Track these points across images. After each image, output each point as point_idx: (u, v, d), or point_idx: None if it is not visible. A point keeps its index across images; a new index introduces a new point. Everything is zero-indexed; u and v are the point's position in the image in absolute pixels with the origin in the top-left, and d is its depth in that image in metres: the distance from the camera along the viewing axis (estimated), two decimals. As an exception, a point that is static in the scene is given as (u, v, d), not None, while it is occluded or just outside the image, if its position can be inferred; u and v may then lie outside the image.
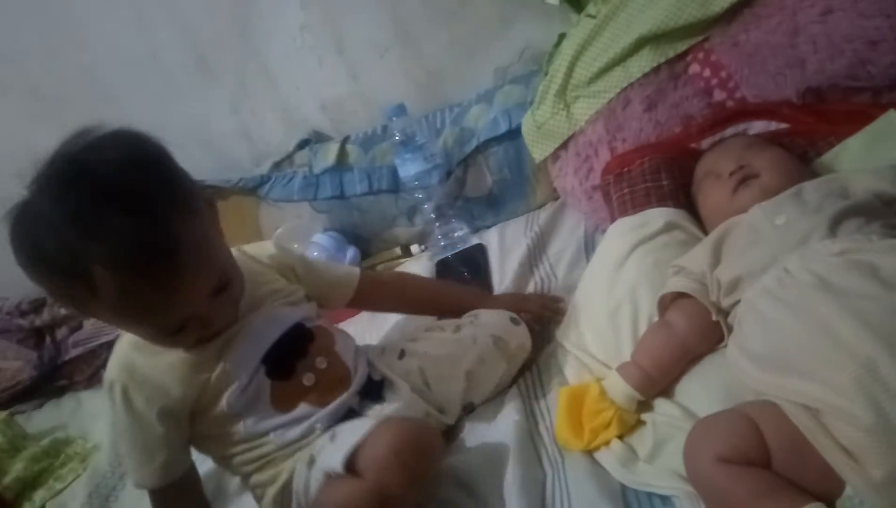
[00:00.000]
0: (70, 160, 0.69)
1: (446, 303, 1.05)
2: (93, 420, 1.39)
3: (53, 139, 1.75)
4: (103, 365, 1.53)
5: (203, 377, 0.80)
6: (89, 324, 1.67)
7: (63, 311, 1.70)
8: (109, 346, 1.54)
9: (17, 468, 1.25)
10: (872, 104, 0.96)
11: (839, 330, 0.58)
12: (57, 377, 1.62)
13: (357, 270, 1.01)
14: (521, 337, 0.94)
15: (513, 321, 0.95)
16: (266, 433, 0.82)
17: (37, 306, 1.74)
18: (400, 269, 1.40)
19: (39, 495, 1.23)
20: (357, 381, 0.85)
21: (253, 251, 0.91)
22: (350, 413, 0.83)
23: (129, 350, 0.81)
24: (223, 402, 0.80)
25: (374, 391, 0.86)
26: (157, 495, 0.84)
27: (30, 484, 1.25)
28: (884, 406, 0.53)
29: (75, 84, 1.52)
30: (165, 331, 0.75)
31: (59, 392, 1.61)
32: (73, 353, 1.61)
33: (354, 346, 0.92)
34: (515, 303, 1.01)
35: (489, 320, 0.95)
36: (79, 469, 1.26)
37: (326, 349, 0.85)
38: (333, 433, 0.78)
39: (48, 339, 1.69)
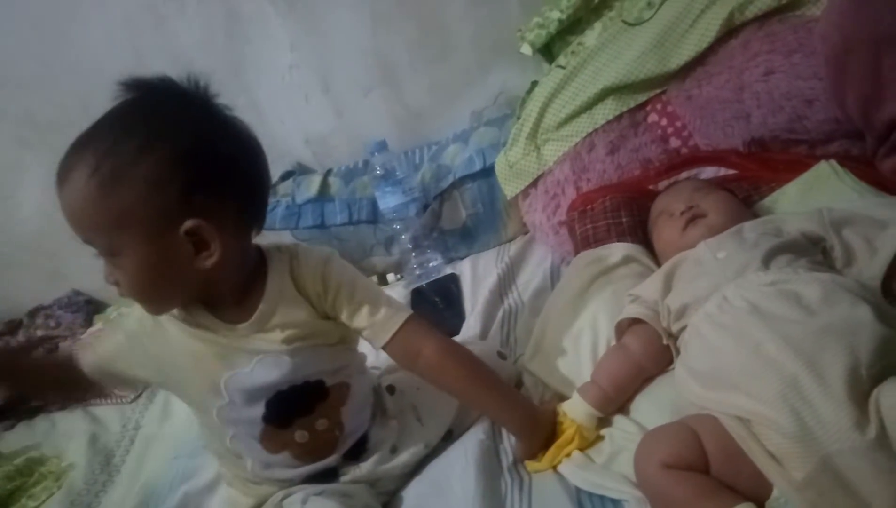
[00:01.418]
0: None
1: (474, 406, 0.92)
2: (67, 441, 1.40)
3: (43, 165, 1.79)
4: (80, 386, 1.57)
5: (202, 364, 0.78)
6: (66, 345, 1.69)
7: (39, 332, 1.72)
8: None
9: (-9, 485, 1.26)
10: (809, 155, 1.06)
11: (767, 350, 0.66)
12: (31, 398, 1.63)
13: (402, 316, 0.81)
14: (507, 371, 0.97)
15: (500, 355, 0.99)
16: (242, 456, 0.84)
17: (12, 328, 1.75)
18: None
19: (12, 512, 1.23)
20: (347, 445, 0.86)
21: (300, 272, 0.80)
22: (327, 472, 0.86)
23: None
24: (213, 407, 0.80)
25: (356, 451, 0.87)
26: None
27: (2, 502, 1.25)
28: (804, 417, 0.61)
29: (70, 112, 1.56)
30: (147, 256, 0.70)
31: (32, 413, 1.60)
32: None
33: (370, 399, 0.90)
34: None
35: (477, 350, 0.94)
36: (53, 487, 1.27)
37: (334, 410, 0.83)
38: (305, 499, 0.81)
39: (23, 360, 1.70)
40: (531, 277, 1.28)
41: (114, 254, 0.70)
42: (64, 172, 0.68)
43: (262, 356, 0.78)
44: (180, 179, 0.68)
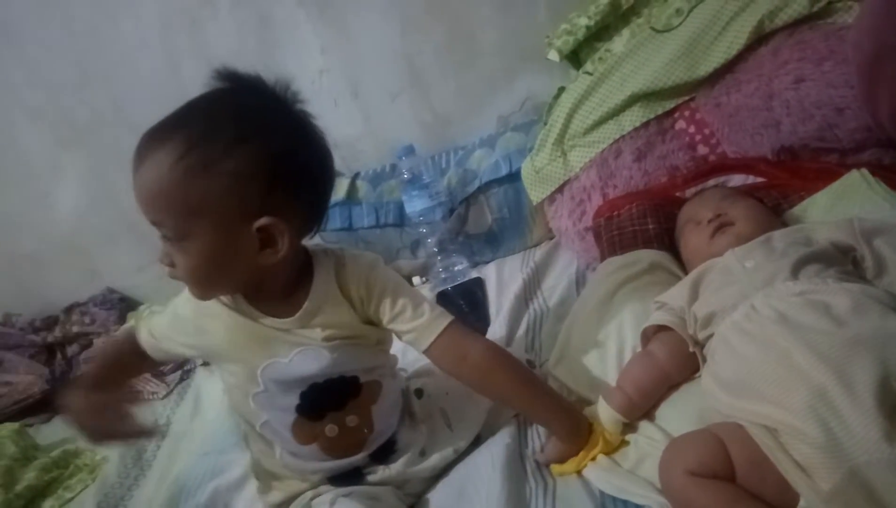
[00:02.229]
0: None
1: (522, 409, 0.91)
2: (100, 435, 1.44)
3: (79, 165, 1.84)
4: (112, 382, 1.62)
5: (241, 351, 0.80)
6: (99, 341, 1.74)
7: (75, 329, 1.77)
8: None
9: (29, 476, 1.30)
10: (839, 164, 1.05)
11: (796, 360, 0.66)
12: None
13: (445, 319, 0.81)
14: None
15: (528, 363, 0.99)
16: (272, 443, 0.87)
17: (49, 324, 1.81)
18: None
19: (49, 503, 1.27)
20: (374, 445, 0.88)
21: (345, 276, 0.81)
22: (354, 472, 0.88)
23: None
24: (249, 392, 0.82)
25: (384, 452, 0.89)
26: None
27: (40, 493, 1.30)
28: (832, 427, 0.61)
29: (105, 115, 1.62)
30: (226, 237, 0.71)
31: (67, 408, 1.66)
32: (84, 369, 1.66)
33: (399, 401, 0.91)
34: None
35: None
36: (87, 479, 1.31)
37: (364, 408, 0.85)
38: (334, 500, 0.83)
39: (59, 355, 1.75)
40: (556, 282, 1.29)
41: (181, 238, 0.71)
42: (147, 152, 0.69)
43: (302, 348, 0.79)
44: (264, 176, 0.70)
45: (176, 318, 0.85)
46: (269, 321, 0.79)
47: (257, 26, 1.54)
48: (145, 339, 0.88)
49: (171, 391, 1.48)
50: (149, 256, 1.83)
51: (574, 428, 0.83)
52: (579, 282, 1.25)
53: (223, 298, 0.79)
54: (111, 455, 1.34)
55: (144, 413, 1.43)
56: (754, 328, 0.73)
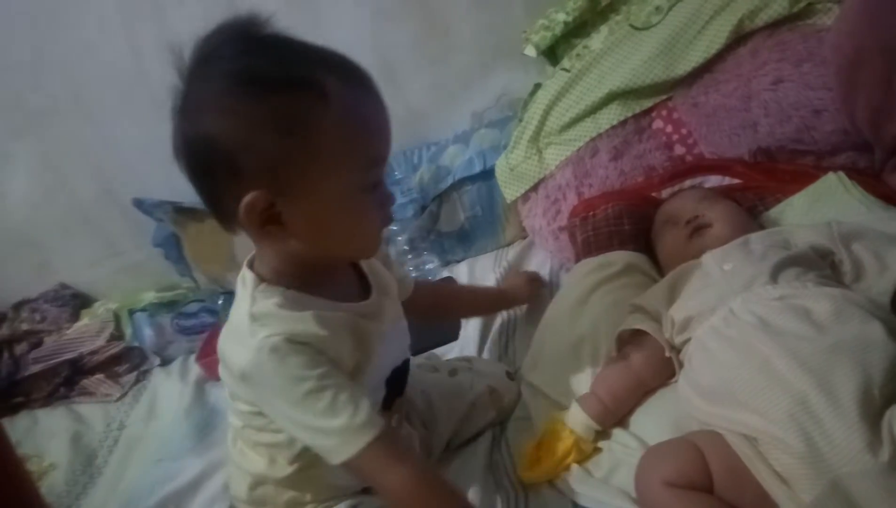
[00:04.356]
0: None
1: (485, 304, 1.12)
2: (48, 439, 1.36)
3: (31, 154, 1.75)
4: (64, 383, 1.54)
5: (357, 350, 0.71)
6: (51, 340, 1.65)
7: (24, 326, 1.68)
8: (71, 364, 1.54)
9: (-32, 482, 1.22)
10: (815, 166, 1.05)
11: (776, 367, 0.64)
12: (14, 394, 1.58)
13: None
14: (514, 392, 0.94)
15: (508, 375, 0.96)
16: None
17: (-4, 320, 1.72)
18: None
19: (-11, 511, 1.20)
20: None
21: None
22: None
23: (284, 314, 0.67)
24: None
25: None
26: (380, 443, 0.65)
27: (-20, 500, 1.22)
28: (814, 437, 0.59)
29: (60, 102, 1.54)
30: (365, 180, 0.66)
31: (14, 410, 1.57)
32: (33, 369, 1.57)
33: None
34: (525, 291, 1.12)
35: (486, 369, 0.95)
36: (33, 486, 1.24)
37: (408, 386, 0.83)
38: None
39: (6, 354, 1.65)
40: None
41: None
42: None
43: (391, 326, 0.76)
44: None
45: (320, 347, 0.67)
46: (360, 306, 0.72)
47: (225, 12, 1.47)
48: None
49: (126, 392, 1.41)
50: (104, 249, 1.78)
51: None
52: (553, 282, 1.22)
53: (311, 296, 0.69)
54: (59, 461, 1.26)
55: (96, 416, 1.36)
56: (733, 334, 0.70)
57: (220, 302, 1.58)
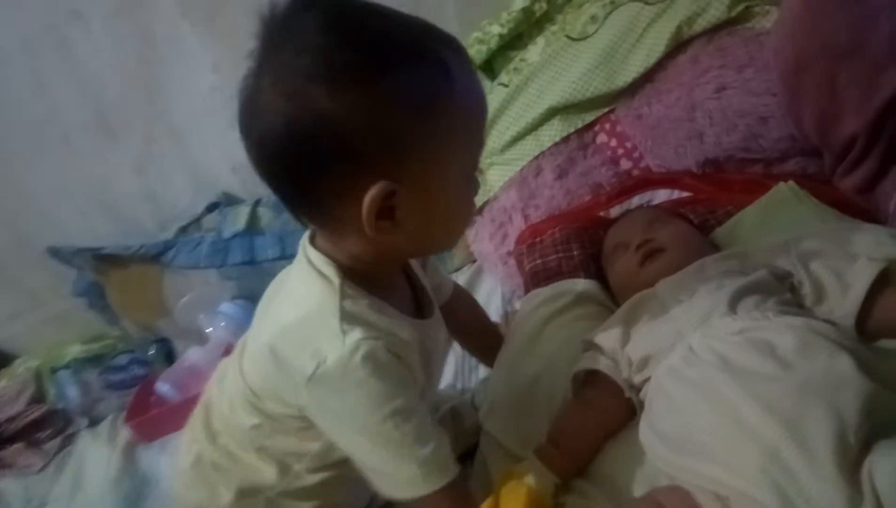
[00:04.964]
0: None
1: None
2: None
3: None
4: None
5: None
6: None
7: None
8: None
9: None
10: (765, 174, 1.01)
11: (743, 414, 0.58)
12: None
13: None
14: (474, 419, 0.89)
15: (474, 405, 0.91)
16: None
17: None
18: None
19: None
20: None
21: None
22: None
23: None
24: None
25: None
26: (459, 484, 0.63)
27: None
28: (789, 494, 0.53)
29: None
30: (476, 164, 0.61)
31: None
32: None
33: None
34: None
35: (452, 393, 0.91)
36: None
37: None
38: None
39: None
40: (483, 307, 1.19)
41: None
42: None
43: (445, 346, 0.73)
44: None
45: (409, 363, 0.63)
46: (425, 323, 0.68)
47: (137, 42, 1.38)
48: None
49: (49, 462, 1.29)
50: (23, 301, 1.64)
51: None
52: (506, 307, 1.16)
53: (388, 305, 0.63)
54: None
55: (14, 493, 1.23)
56: (694, 375, 0.64)
57: (151, 352, 1.47)
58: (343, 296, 0.60)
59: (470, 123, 0.58)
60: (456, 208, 0.61)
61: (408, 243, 0.60)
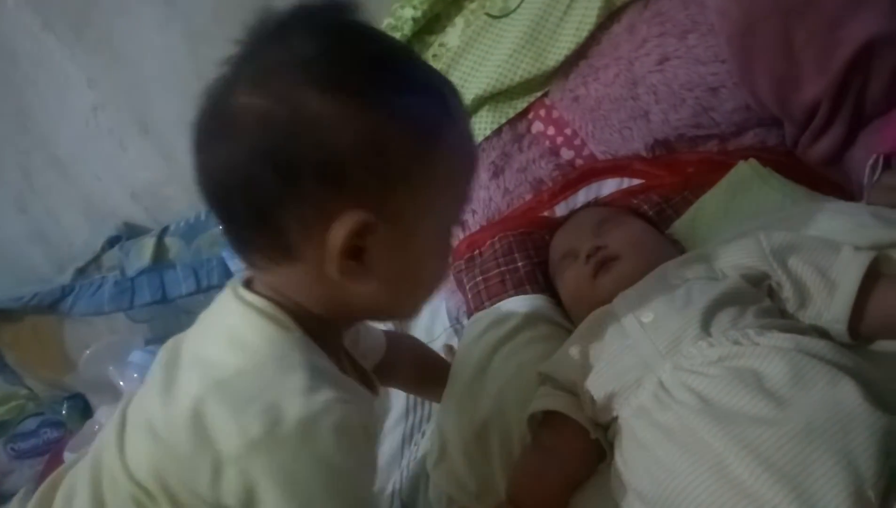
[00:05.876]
0: None
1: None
2: None
3: None
4: None
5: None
6: None
7: None
8: None
9: None
10: (721, 151, 0.92)
11: (734, 471, 0.47)
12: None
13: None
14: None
15: None
16: None
17: None
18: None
19: None
20: None
21: None
22: None
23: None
24: None
25: None
26: None
27: None
28: (799, 572, 0.42)
29: None
30: (461, 216, 0.58)
31: None
32: None
33: None
34: None
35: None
36: None
37: None
38: None
39: None
40: (427, 328, 1.06)
41: None
42: None
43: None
44: None
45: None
46: (378, 400, 0.60)
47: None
48: None
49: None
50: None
51: None
52: (453, 324, 1.04)
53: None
54: None
55: None
56: (670, 420, 0.53)
57: (63, 410, 1.30)
58: (301, 346, 0.50)
59: (465, 168, 0.54)
60: (432, 264, 0.55)
61: (369, 296, 0.51)
